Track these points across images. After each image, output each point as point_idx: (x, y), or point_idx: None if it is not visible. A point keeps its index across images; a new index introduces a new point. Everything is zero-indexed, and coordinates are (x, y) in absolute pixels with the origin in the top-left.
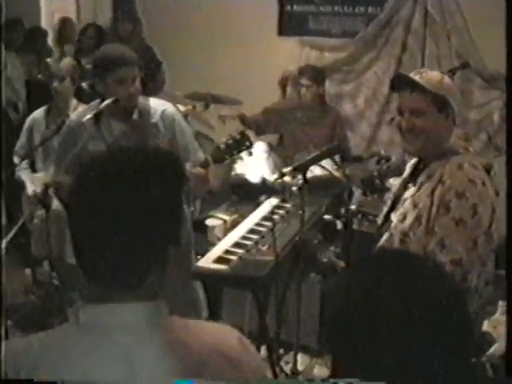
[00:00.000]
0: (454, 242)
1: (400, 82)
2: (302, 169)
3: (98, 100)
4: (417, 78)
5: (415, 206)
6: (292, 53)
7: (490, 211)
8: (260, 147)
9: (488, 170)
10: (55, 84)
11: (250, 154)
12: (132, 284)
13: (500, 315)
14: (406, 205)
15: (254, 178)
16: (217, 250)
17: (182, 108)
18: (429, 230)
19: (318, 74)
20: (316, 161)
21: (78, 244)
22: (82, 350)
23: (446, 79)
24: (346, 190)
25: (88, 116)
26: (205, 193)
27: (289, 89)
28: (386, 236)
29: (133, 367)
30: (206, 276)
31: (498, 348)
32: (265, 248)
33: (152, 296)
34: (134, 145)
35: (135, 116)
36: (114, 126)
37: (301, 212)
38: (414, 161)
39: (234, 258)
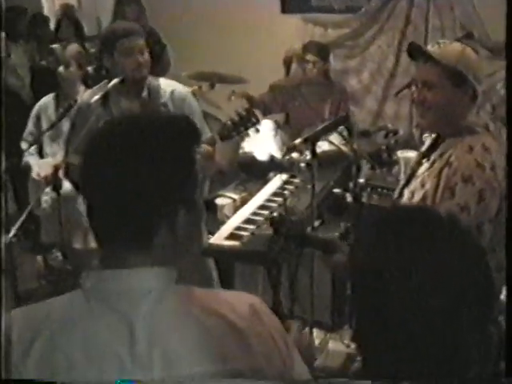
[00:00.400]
0: None
1: (414, 52)
2: (312, 140)
3: (105, 81)
4: (433, 48)
5: (423, 185)
6: (296, 30)
7: (499, 198)
8: (267, 125)
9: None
10: (61, 70)
11: (257, 130)
12: (139, 243)
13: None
14: (416, 182)
15: (261, 155)
16: (228, 227)
17: (187, 88)
18: None
19: (322, 50)
20: (326, 131)
21: (91, 204)
22: (83, 317)
23: (467, 53)
24: (353, 165)
25: (96, 97)
26: (213, 171)
27: (293, 66)
28: None
29: (133, 336)
30: (219, 252)
31: None
32: None
33: (160, 261)
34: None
35: (144, 94)
36: (123, 105)
37: (309, 186)
38: (434, 135)
39: (245, 233)
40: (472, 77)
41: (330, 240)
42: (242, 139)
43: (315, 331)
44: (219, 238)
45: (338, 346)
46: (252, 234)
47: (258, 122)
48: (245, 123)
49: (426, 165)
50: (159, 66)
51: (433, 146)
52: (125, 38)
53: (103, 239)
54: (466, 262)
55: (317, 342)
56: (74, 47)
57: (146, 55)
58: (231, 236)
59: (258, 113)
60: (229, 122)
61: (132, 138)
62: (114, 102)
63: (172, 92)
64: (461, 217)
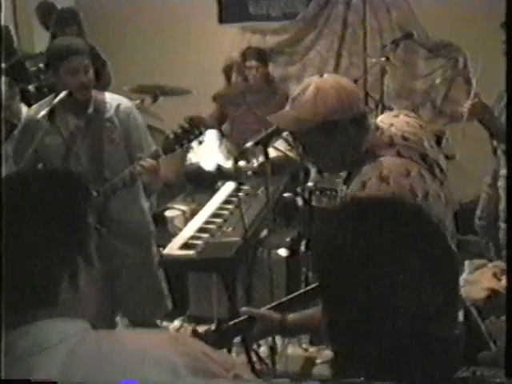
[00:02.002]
0: None
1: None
2: (264, 143)
3: (52, 95)
4: (289, 110)
5: None
6: (234, 39)
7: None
8: (212, 135)
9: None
10: None
11: (200, 143)
12: (45, 299)
13: (467, 275)
14: None
15: (208, 165)
16: (181, 237)
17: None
18: None
19: (261, 54)
20: (276, 134)
21: None
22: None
23: (321, 95)
24: (301, 170)
25: (42, 112)
26: (159, 185)
27: (234, 75)
28: None
29: None
30: (173, 262)
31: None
32: (229, 230)
33: (67, 312)
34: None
35: (90, 110)
36: (70, 121)
37: (259, 192)
38: None
39: (199, 242)
40: (340, 114)
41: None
42: (188, 151)
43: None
44: (173, 248)
45: (296, 350)
46: (206, 242)
47: (201, 134)
48: (188, 136)
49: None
50: (100, 82)
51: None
52: (70, 58)
53: (10, 303)
54: (428, 246)
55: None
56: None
57: (91, 74)
58: (185, 246)
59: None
60: (171, 135)
61: (21, 196)
62: (61, 118)
63: (117, 106)
64: None
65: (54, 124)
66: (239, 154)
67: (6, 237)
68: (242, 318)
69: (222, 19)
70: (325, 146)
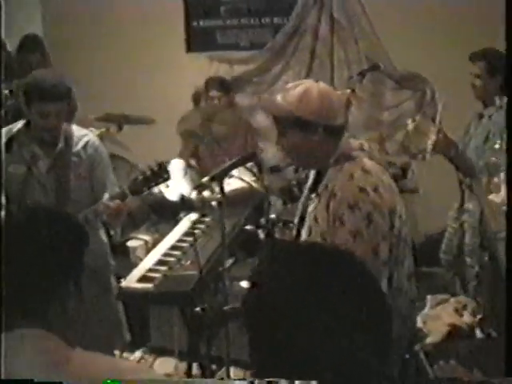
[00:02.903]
0: None
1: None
2: (219, 178)
3: (17, 123)
4: (279, 98)
5: (316, 220)
6: (202, 68)
7: (388, 214)
8: (176, 164)
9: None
10: None
11: (167, 186)
12: (35, 315)
13: (429, 309)
14: (310, 219)
15: (172, 195)
16: (140, 270)
17: (95, 131)
18: None
19: (223, 84)
20: (232, 168)
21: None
22: None
23: (307, 94)
24: (265, 200)
25: (3, 140)
26: (122, 223)
27: (202, 103)
28: None
29: None
30: (131, 296)
31: (431, 341)
32: (188, 263)
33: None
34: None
35: (60, 145)
36: (36, 151)
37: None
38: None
39: (157, 275)
40: (316, 117)
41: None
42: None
43: (232, 370)
44: (131, 281)
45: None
46: (164, 275)
47: (168, 177)
48: (156, 178)
49: (315, 200)
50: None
51: (317, 180)
52: (45, 103)
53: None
54: (360, 293)
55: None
56: None
57: (62, 116)
58: (143, 278)
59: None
60: (140, 177)
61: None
62: (27, 147)
63: (85, 141)
64: (355, 243)
65: (19, 153)
66: (200, 185)
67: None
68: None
69: (189, 48)
70: (299, 140)
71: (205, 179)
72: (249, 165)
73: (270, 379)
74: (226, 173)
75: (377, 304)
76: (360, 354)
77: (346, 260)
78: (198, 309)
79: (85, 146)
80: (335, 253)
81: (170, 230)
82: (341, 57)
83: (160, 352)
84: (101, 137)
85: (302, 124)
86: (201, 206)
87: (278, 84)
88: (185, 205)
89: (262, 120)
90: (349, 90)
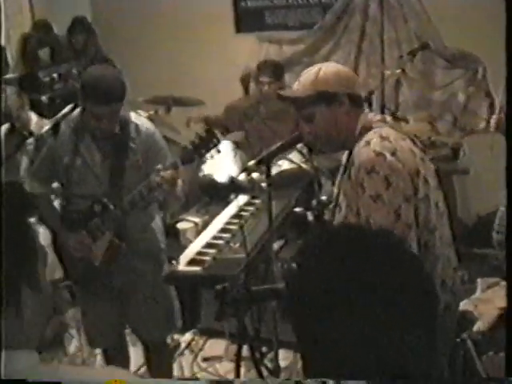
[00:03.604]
0: (376, 218)
1: (283, 99)
2: (266, 161)
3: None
4: (295, 86)
5: (345, 194)
6: (251, 49)
7: (409, 178)
8: (226, 146)
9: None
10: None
11: (218, 151)
12: None
13: (480, 293)
14: (341, 195)
15: (221, 177)
16: (189, 253)
17: (143, 114)
18: (357, 213)
19: (276, 69)
20: (279, 151)
21: None
22: None
23: (323, 71)
24: (315, 182)
25: (46, 127)
26: (178, 198)
27: (252, 85)
28: None
29: None
30: (180, 279)
31: (480, 325)
32: (237, 246)
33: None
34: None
35: (117, 130)
36: (91, 143)
37: (268, 206)
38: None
39: (206, 258)
40: (337, 87)
41: (278, 287)
42: (203, 162)
43: (283, 352)
44: (181, 265)
45: None
46: (213, 258)
47: (218, 142)
48: (206, 145)
49: (345, 176)
50: None
51: (348, 157)
52: (100, 105)
53: None
54: (403, 274)
55: (285, 363)
56: (12, 100)
57: (117, 116)
58: (192, 261)
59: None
60: (189, 146)
61: None
62: (82, 138)
63: (141, 127)
64: (376, 206)
65: (74, 143)
66: (247, 168)
67: None
68: (275, 286)
69: (238, 29)
70: (325, 117)
71: (251, 162)
72: (298, 146)
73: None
74: (273, 156)
75: (422, 286)
76: (407, 340)
77: (388, 241)
78: (218, 286)
79: (139, 134)
80: (377, 235)
81: (220, 211)
82: (391, 36)
83: (210, 334)
84: (150, 119)
85: (326, 97)
86: (250, 188)
87: None
88: (234, 186)
89: None
90: (399, 70)
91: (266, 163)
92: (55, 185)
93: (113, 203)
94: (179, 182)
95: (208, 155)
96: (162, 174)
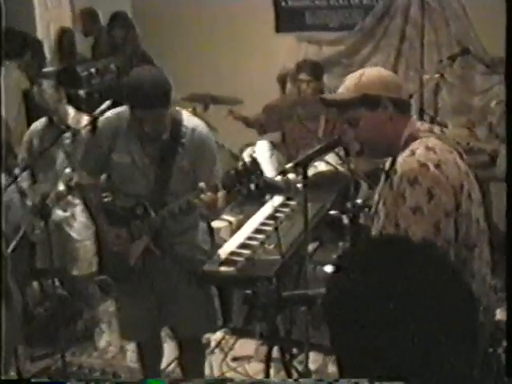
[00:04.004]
0: (415, 231)
1: (325, 103)
2: (303, 164)
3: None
4: (338, 92)
5: (385, 203)
6: (290, 49)
7: (452, 192)
8: (262, 146)
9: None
10: (35, 90)
11: (254, 151)
12: None
13: None
14: (379, 205)
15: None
16: (223, 253)
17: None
18: (396, 224)
19: (316, 69)
20: (317, 155)
21: None
22: None
23: (365, 76)
24: (351, 184)
25: (84, 123)
26: (215, 217)
27: (288, 85)
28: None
29: None
30: (213, 279)
31: None
32: (271, 247)
33: None
34: None
35: (165, 136)
36: (141, 143)
37: (304, 208)
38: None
39: (240, 259)
40: (381, 91)
41: (309, 294)
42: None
43: (313, 355)
44: (214, 265)
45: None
46: (247, 259)
47: (262, 174)
48: (249, 174)
49: (386, 184)
50: None
51: (392, 164)
52: (145, 109)
53: None
54: (443, 285)
55: (315, 366)
56: (49, 94)
57: (164, 119)
58: (226, 262)
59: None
60: (232, 172)
61: None
62: (131, 139)
63: (193, 131)
64: (415, 218)
65: (127, 142)
66: (284, 171)
67: None
68: (306, 292)
69: (278, 28)
70: (369, 122)
71: (289, 165)
72: (333, 149)
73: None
74: (310, 160)
75: (462, 296)
76: (444, 349)
77: (429, 253)
78: (248, 291)
79: (192, 137)
80: (419, 246)
81: (255, 211)
82: (431, 39)
83: (241, 334)
84: None
85: (370, 102)
86: (286, 189)
87: (367, 66)
88: (270, 187)
89: None
90: (438, 75)
91: (303, 166)
92: (103, 177)
93: (155, 208)
94: (218, 204)
95: (244, 153)
96: (201, 197)
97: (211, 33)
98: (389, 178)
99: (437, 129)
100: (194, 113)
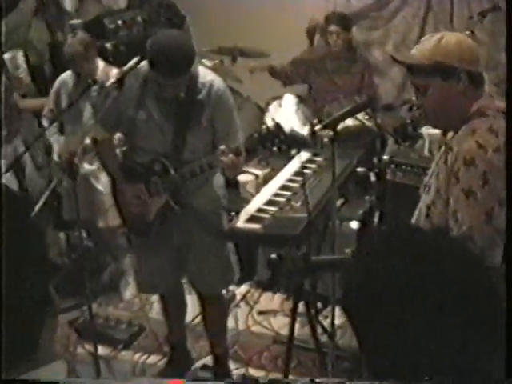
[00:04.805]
0: (465, 215)
1: (397, 62)
2: (332, 126)
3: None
4: (414, 50)
5: (437, 176)
6: (318, 1)
7: (508, 179)
8: (289, 99)
9: None
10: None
11: (280, 105)
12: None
13: None
14: (432, 176)
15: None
16: (249, 209)
17: (208, 63)
18: (446, 202)
19: (345, 20)
20: (346, 117)
21: None
22: None
23: (445, 40)
24: (377, 140)
25: (111, 80)
26: (236, 176)
27: (316, 37)
28: (416, 211)
29: None
30: (240, 236)
31: None
32: (298, 204)
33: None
34: None
35: (182, 94)
36: (157, 100)
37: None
38: None
39: (266, 216)
40: (458, 61)
41: (336, 260)
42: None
43: (337, 310)
44: (240, 221)
45: None
46: (273, 216)
47: (286, 138)
48: (272, 139)
49: (442, 152)
50: None
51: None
52: (167, 77)
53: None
54: (470, 280)
55: (340, 322)
56: (78, 41)
57: (184, 84)
58: (252, 218)
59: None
60: (255, 135)
61: None
62: (149, 95)
63: (210, 87)
64: (467, 202)
65: (143, 100)
66: (308, 134)
67: None
68: (332, 257)
69: None
70: (439, 91)
71: (317, 127)
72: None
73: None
74: (339, 121)
75: (489, 299)
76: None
77: (446, 242)
78: (273, 255)
79: (209, 94)
80: (436, 236)
81: (281, 164)
82: None
83: (266, 287)
84: (214, 69)
85: (444, 71)
86: (313, 142)
87: (396, 19)
88: (296, 140)
89: (378, 55)
90: (468, 32)
91: (331, 127)
92: (119, 134)
93: (174, 165)
94: (240, 166)
95: (270, 106)
96: (222, 159)
97: None
98: (445, 151)
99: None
100: (221, 65)
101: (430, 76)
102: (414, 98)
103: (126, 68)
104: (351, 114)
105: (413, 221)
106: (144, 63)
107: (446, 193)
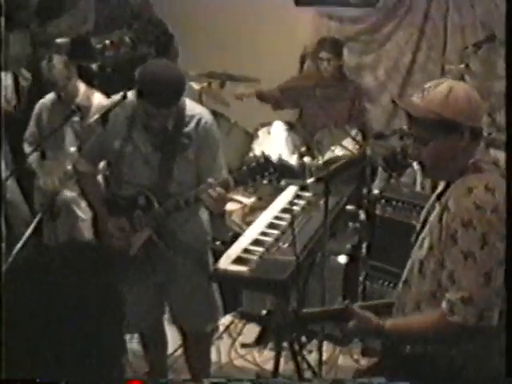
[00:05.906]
0: (463, 277)
1: (400, 107)
2: (326, 179)
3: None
4: (417, 99)
5: (431, 232)
6: (310, 24)
7: (505, 240)
8: (278, 126)
9: None
10: (44, 64)
11: (270, 181)
12: None
13: None
14: (426, 228)
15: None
16: (236, 249)
17: (196, 86)
18: (440, 262)
19: (336, 46)
20: (342, 171)
21: None
22: None
23: (453, 95)
24: (368, 169)
25: (95, 116)
26: (222, 210)
27: (307, 63)
28: (409, 262)
29: None
30: (225, 278)
31: None
32: (285, 246)
33: None
34: None
35: (170, 127)
36: (144, 131)
37: (321, 202)
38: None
39: (253, 257)
40: (464, 118)
41: (329, 310)
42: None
43: (325, 345)
44: (226, 262)
45: (347, 360)
46: (260, 257)
47: (275, 172)
48: (262, 171)
49: (437, 209)
50: (168, 56)
51: (445, 189)
52: (154, 107)
53: None
54: None
55: (325, 356)
56: (59, 68)
57: (172, 116)
58: (238, 260)
59: (269, 111)
60: (245, 168)
61: None
62: (136, 126)
63: (198, 120)
64: (465, 264)
65: (130, 132)
66: (304, 187)
67: None
68: (324, 309)
69: (298, 1)
70: (438, 145)
71: (310, 181)
72: (353, 132)
73: None
74: (332, 176)
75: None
76: None
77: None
78: (263, 312)
79: (196, 127)
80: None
81: (268, 192)
82: (455, 20)
83: (250, 318)
84: (202, 92)
85: (449, 127)
86: (301, 172)
87: (388, 44)
88: (285, 171)
89: (369, 80)
90: (462, 66)
91: (326, 181)
92: (102, 164)
93: (159, 199)
94: (227, 200)
95: (259, 132)
96: (210, 193)
97: (229, 7)
98: (439, 203)
99: (502, 162)
100: (209, 88)
101: (432, 129)
102: (405, 127)
103: (110, 104)
104: (345, 167)
105: (404, 273)
106: (131, 95)
107: (440, 252)
